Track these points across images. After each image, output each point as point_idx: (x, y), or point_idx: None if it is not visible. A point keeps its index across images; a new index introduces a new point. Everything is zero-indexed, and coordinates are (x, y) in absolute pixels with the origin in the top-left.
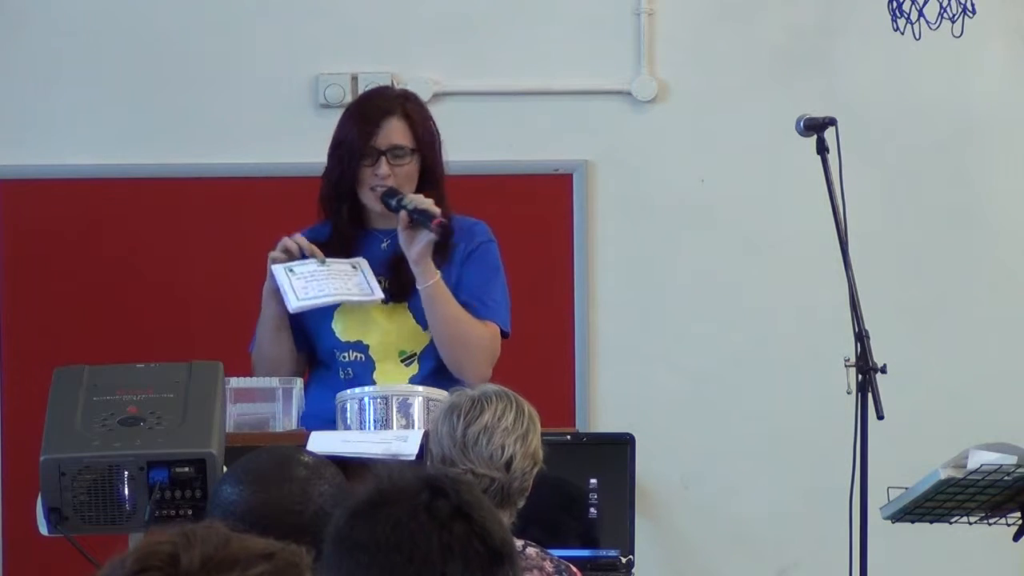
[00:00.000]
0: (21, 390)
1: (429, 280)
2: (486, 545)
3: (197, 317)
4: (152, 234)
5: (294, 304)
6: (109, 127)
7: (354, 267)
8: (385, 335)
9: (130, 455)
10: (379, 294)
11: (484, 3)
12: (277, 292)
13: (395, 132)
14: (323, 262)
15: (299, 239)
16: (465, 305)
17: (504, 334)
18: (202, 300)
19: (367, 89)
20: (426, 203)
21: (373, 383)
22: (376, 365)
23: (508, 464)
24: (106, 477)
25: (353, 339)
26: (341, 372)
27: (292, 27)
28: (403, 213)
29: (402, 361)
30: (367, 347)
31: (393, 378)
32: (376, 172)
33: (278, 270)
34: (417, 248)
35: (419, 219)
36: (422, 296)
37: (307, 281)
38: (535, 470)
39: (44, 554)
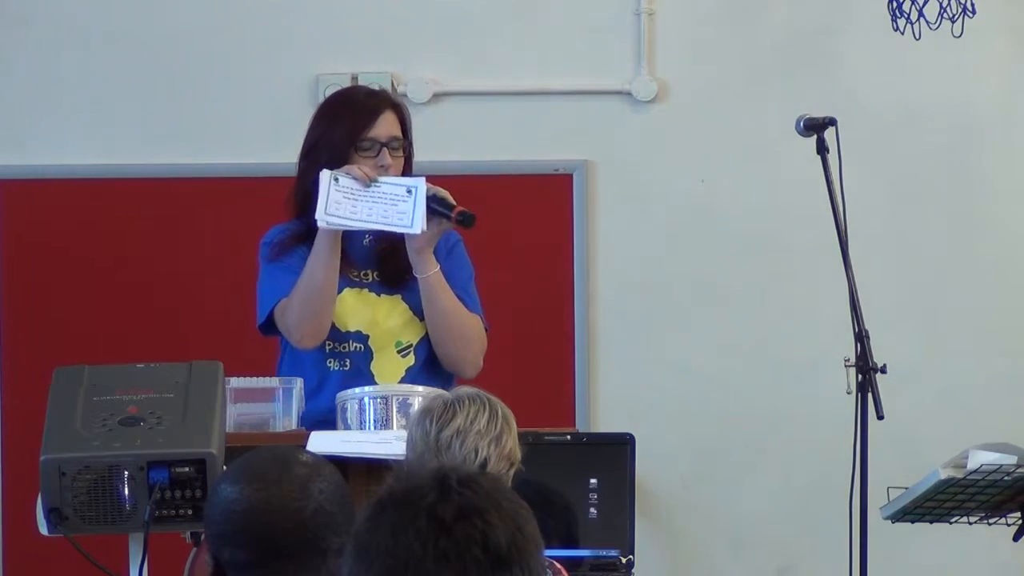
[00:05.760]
0: (21, 390)
1: (430, 270)
2: (487, 550)
3: (197, 317)
4: (152, 234)
5: (320, 215)
6: (109, 127)
7: (409, 191)
8: (384, 325)
9: (130, 455)
10: (418, 227)
11: (484, 3)
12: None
13: (391, 124)
14: (374, 182)
15: (366, 170)
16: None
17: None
18: (202, 300)
19: (339, 89)
20: (443, 192)
21: (371, 374)
22: (375, 355)
23: (483, 467)
24: (106, 477)
25: (354, 329)
26: (335, 363)
27: (292, 27)
28: None
29: (399, 352)
30: (367, 337)
31: (390, 369)
32: (381, 163)
33: (324, 175)
34: (422, 237)
35: (438, 208)
36: (422, 286)
37: (345, 196)
38: (511, 471)
39: (44, 554)
